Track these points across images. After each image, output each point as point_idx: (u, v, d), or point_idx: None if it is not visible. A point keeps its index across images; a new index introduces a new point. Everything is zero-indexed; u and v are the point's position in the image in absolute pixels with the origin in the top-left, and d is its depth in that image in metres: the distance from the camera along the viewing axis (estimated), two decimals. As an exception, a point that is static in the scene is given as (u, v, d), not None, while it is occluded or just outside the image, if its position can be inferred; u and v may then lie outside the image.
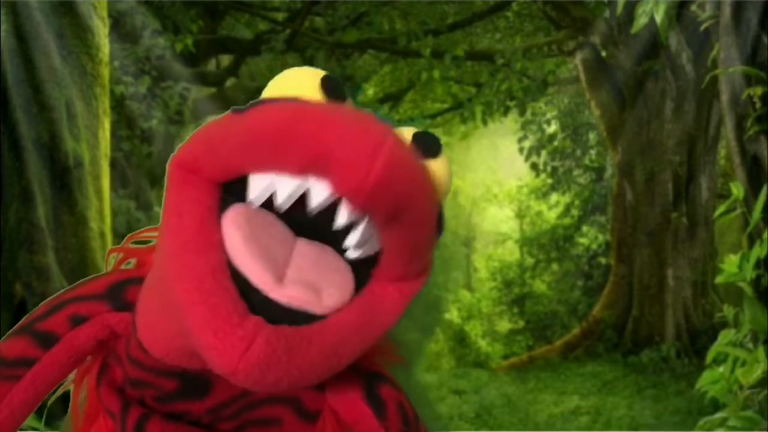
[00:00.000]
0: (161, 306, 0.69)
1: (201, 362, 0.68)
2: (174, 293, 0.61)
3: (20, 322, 0.81)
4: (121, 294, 0.79)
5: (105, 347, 0.80)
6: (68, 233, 3.81)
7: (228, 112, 0.68)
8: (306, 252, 0.65)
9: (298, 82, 0.69)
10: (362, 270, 0.67)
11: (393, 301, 0.68)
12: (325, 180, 0.58)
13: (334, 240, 0.65)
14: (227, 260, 0.61)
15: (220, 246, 0.62)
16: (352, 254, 0.65)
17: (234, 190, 0.65)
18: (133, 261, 0.85)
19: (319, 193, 0.59)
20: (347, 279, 0.66)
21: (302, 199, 0.63)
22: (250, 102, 0.67)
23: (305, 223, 0.65)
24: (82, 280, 0.83)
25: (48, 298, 0.82)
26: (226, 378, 0.59)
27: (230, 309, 0.59)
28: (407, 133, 0.68)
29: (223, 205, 0.64)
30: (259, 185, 0.62)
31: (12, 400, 0.77)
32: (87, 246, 3.89)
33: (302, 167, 0.59)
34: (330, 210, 0.62)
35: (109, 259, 0.86)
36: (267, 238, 0.63)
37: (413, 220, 0.62)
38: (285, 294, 0.61)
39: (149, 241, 0.84)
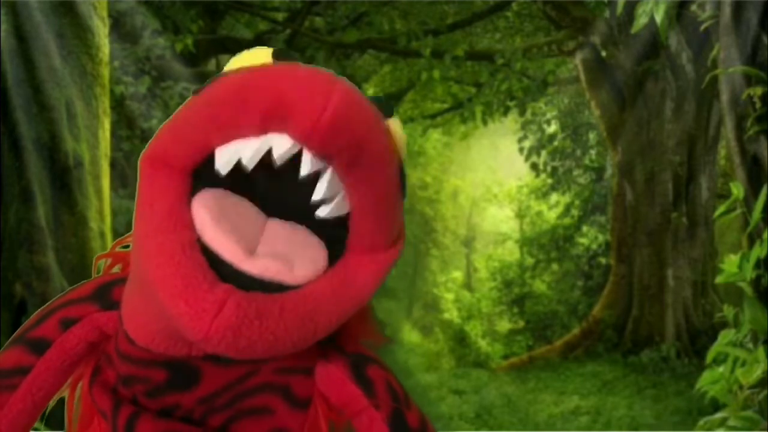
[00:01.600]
0: (141, 291, 0.71)
1: (185, 347, 0.70)
2: (148, 271, 0.63)
3: (15, 333, 0.82)
4: (107, 294, 0.81)
5: (96, 351, 0.81)
6: (68, 233, 3.81)
7: (190, 98, 0.71)
8: (277, 229, 0.67)
9: (253, 58, 0.72)
10: (336, 245, 0.69)
11: (368, 272, 0.69)
12: (284, 128, 0.60)
13: (305, 217, 0.67)
14: (198, 238, 0.64)
15: (190, 225, 0.64)
16: (322, 212, 0.65)
17: (204, 176, 0.67)
18: (120, 265, 0.87)
19: (281, 144, 0.61)
20: (320, 252, 0.68)
21: (273, 173, 0.64)
22: (207, 81, 0.70)
23: (277, 204, 0.68)
24: (71, 287, 0.85)
25: (39, 309, 0.83)
26: (200, 345, 0.61)
27: (200, 278, 0.61)
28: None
29: (194, 192, 0.67)
30: (224, 155, 0.64)
31: (11, 409, 0.78)
32: (87, 246, 3.89)
33: (262, 121, 0.61)
34: (296, 176, 0.63)
35: (97, 265, 0.88)
36: (236, 217, 0.66)
37: (374, 163, 0.64)
38: (256, 265, 0.63)
39: None
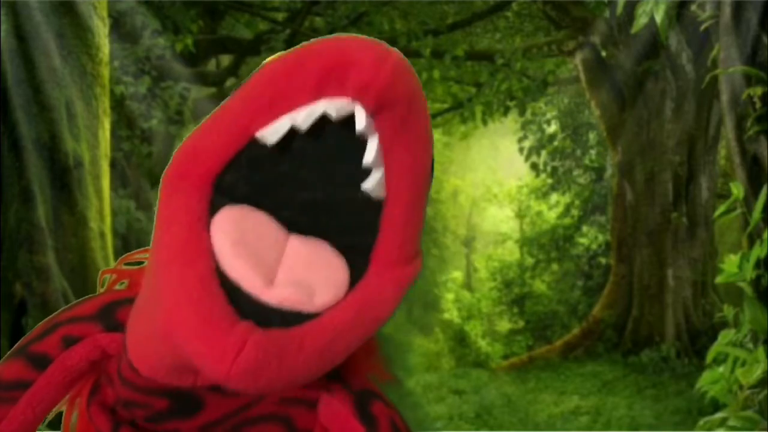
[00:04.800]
0: (151, 323, 0.70)
1: (191, 379, 0.70)
2: (164, 304, 0.62)
3: (17, 344, 0.82)
4: (112, 315, 0.80)
5: (97, 368, 0.81)
6: (68, 233, 3.81)
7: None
8: (298, 249, 0.66)
9: None
10: (358, 261, 0.67)
11: (390, 290, 0.68)
12: (341, 86, 0.61)
13: (328, 232, 0.66)
14: (216, 267, 0.62)
15: (209, 253, 0.63)
16: (369, 183, 0.64)
17: (226, 187, 0.65)
18: (125, 282, 0.86)
19: (336, 103, 0.61)
20: (341, 274, 0.66)
21: (300, 178, 0.65)
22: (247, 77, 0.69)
23: (299, 216, 0.66)
24: (75, 301, 0.84)
25: (43, 321, 0.83)
26: (219, 385, 0.60)
27: (220, 316, 0.60)
28: None
29: (213, 209, 0.65)
30: (273, 126, 0.63)
31: (12, 422, 0.78)
32: (87, 246, 3.89)
33: (319, 82, 0.61)
34: (325, 182, 0.65)
35: (102, 280, 0.88)
36: (256, 240, 0.64)
37: (419, 132, 0.65)
38: (275, 296, 0.62)
39: (141, 263, 0.85)
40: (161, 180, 0.68)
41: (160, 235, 0.66)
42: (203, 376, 0.61)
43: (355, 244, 0.67)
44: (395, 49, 0.63)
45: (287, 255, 0.65)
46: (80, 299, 0.84)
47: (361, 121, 0.61)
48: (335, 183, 0.65)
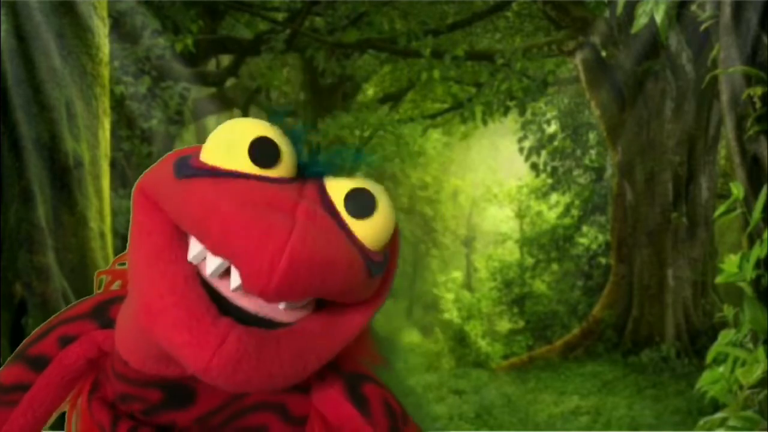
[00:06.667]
0: (135, 317, 0.71)
1: (178, 369, 0.70)
2: (149, 298, 0.63)
3: (16, 350, 0.84)
4: (105, 312, 0.82)
5: (95, 367, 0.82)
6: (68, 233, 3.81)
7: (173, 156, 0.70)
8: None
9: (231, 144, 0.67)
10: None
11: (356, 312, 0.70)
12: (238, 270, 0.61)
13: None
14: (197, 271, 0.65)
15: (188, 257, 0.66)
16: (287, 315, 0.66)
17: None
18: (119, 282, 0.88)
19: (237, 277, 0.62)
20: None
21: None
22: (189, 162, 0.68)
23: None
24: (71, 304, 0.86)
25: (40, 325, 0.85)
26: (198, 376, 0.61)
27: (203, 310, 0.62)
28: (343, 188, 0.68)
29: None
30: (195, 247, 0.65)
31: (12, 425, 0.79)
32: (87, 246, 3.89)
33: (220, 256, 0.62)
34: None
35: (98, 281, 0.89)
36: None
37: (333, 290, 0.64)
38: (252, 302, 0.64)
39: None
40: (134, 191, 0.70)
41: (141, 241, 0.67)
42: (184, 366, 0.62)
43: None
44: (296, 233, 0.59)
45: None
46: (75, 302, 0.86)
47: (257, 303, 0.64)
48: None
